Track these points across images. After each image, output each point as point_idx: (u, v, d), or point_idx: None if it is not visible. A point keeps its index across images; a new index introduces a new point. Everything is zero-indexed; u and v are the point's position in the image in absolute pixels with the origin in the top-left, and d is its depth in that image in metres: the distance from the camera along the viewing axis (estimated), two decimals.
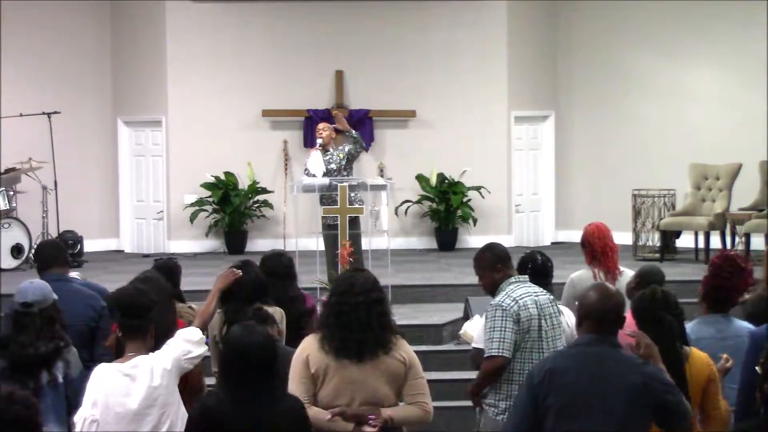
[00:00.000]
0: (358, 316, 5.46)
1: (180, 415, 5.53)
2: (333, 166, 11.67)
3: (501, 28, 16.26)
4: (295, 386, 5.46)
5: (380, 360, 5.47)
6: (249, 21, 16.15)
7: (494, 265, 6.56)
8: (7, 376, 5.79)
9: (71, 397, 5.97)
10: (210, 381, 7.39)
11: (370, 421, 5.42)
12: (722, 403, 5.51)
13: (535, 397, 4.93)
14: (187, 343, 5.65)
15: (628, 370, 4.90)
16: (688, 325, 6.24)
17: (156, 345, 5.63)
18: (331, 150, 11.82)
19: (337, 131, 12.42)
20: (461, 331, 10.27)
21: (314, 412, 5.35)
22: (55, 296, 6.19)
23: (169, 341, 5.64)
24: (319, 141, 11.79)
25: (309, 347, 5.54)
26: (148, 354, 5.53)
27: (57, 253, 7.45)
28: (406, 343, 5.65)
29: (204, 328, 5.93)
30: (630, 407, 4.83)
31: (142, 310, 5.60)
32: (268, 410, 4.90)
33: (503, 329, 6.30)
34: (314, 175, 11.57)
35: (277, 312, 6.86)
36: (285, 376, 5.53)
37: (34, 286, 6.11)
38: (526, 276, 6.61)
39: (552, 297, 6.59)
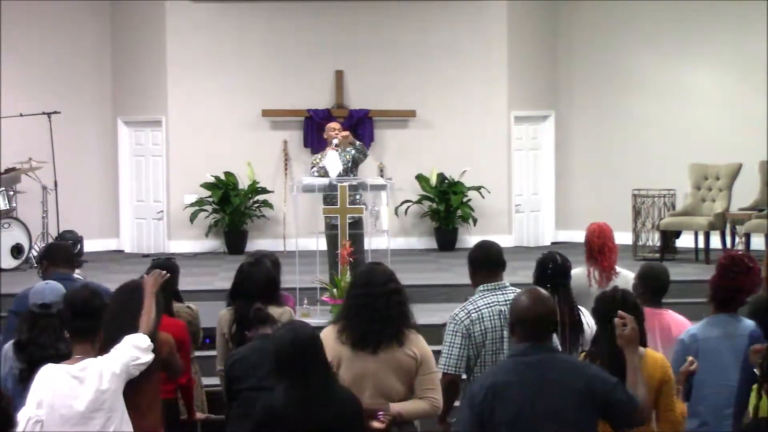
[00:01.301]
0: (378, 307, 5.60)
1: (124, 420, 5.48)
2: (343, 165, 11.66)
3: (501, 28, 16.25)
4: None
5: (394, 353, 5.58)
6: (249, 21, 16.15)
7: (471, 268, 6.42)
8: (26, 377, 5.78)
9: None
10: (213, 381, 7.40)
11: (379, 416, 5.47)
12: (678, 405, 5.50)
13: (480, 417, 4.76)
14: (135, 349, 5.56)
15: (571, 374, 4.81)
16: (696, 325, 6.24)
17: (105, 348, 5.56)
18: (339, 150, 11.81)
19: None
20: None
21: None
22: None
23: (117, 346, 5.54)
24: (335, 141, 11.75)
25: (326, 339, 5.60)
26: (96, 357, 5.49)
27: (65, 254, 7.49)
28: (421, 338, 5.75)
29: (150, 335, 5.71)
30: (578, 411, 4.74)
31: (92, 312, 5.56)
32: (330, 403, 4.97)
33: (451, 344, 6.15)
34: (327, 174, 11.52)
35: (286, 312, 6.87)
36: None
37: (50, 287, 6.12)
38: (503, 282, 6.31)
39: None
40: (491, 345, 6.07)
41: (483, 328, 6.08)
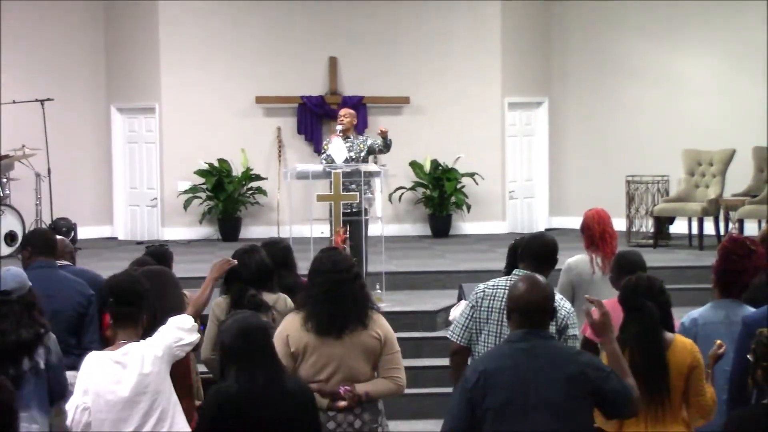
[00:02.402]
0: (343, 292, 5.66)
1: (172, 402, 5.54)
2: (352, 154, 11.63)
3: (495, 14, 16.25)
4: None
5: (359, 336, 5.65)
6: (242, 8, 16.11)
7: (522, 253, 6.37)
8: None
9: (53, 383, 5.97)
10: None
11: (343, 392, 5.58)
12: (708, 390, 5.49)
13: (471, 401, 4.76)
14: (179, 331, 5.65)
15: (564, 361, 4.79)
16: (698, 309, 6.24)
17: (149, 332, 5.64)
18: (351, 137, 11.78)
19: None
20: (450, 316, 10.30)
21: None
22: (29, 283, 6.18)
23: (161, 328, 5.64)
24: (339, 127, 11.75)
25: (290, 326, 5.72)
26: (139, 341, 5.53)
27: (47, 241, 7.44)
28: (382, 318, 5.83)
29: (197, 316, 5.91)
30: (570, 399, 4.71)
31: (135, 297, 5.60)
32: (279, 392, 4.96)
33: (462, 313, 6.21)
34: (334, 161, 11.51)
35: (280, 299, 6.87)
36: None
37: (11, 273, 6.09)
38: (542, 275, 6.16)
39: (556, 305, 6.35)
40: (495, 326, 6.03)
41: (490, 305, 6.06)
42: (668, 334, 5.43)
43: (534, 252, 6.29)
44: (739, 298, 6.18)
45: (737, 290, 6.19)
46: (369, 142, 11.79)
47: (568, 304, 6.18)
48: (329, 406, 5.59)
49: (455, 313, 7.36)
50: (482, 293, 6.13)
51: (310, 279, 5.86)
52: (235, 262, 6.60)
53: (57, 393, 6.03)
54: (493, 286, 6.15)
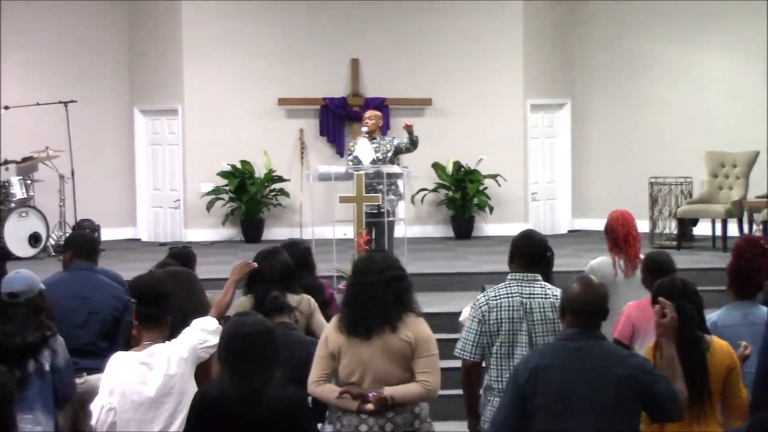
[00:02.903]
0: (373, 295, 5.61)
1: None
2: (378, 155, 11.65)
3: (517, 15, 16.22)
4: (315, 363, 5.67)
5: (387, 338, 5.59)
6: (264, 9, 16.14)
7: (510, 254, 6.33)
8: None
9: (58, 386, 6.00)
10: None
11: (371, 397, 5.53)
12: (743, 391, 5.49)
13: (522, 397, 4.84)
14: (203, 332, 5.68)
15: (615, 362, 4.85)
16: (716, 312, 6.21)
17: (174, 333, 5.66)
18: (377, 138, 11.81)
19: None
20: (460, 318, 10.28)
21: (326, 389, 5.61)
22: (42, 285, 6.21)
23: (186, 330, 5.67)
24: (364, 129, 11.78)
25: (330, 328, 5.75)
26: (164, 342, 5.55)
27: (89, 246, 7.51)
28: (421, 321, 5.71)
29: (220, 318, 5.94)
30: (618, 400, 4.77)
31: (159, 298, 5.62)
32: (266, 397, 4.94)
33: (468, 329, 6.09)
34: (360, 162, 11.54)
35: (304, 300, 6.88)
36: (297, 364, 5.65)
37: (20, 276, 6.13)
38: (535, 274, 6.15)
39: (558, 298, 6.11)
40: (507, 336, 5.97)
41: (499, 317, 5.99)
42: (706, 336, 5.43)
43: (521, 252, 6.24)
44: (753, 298, 6.17)
45: (752, 291, 6.18)
46: (395, 142, 11.81)
47: (557, 290, 6.12)
48: (359, 409, 5.55)
49: (465, 314, 7.36)
50: (486, 306, 6.04)
51: (348, 280, 5.90)
52: (256, 264, 6.62)
53: (63, 395, 6.07)
54: (495, 297, 6.07)
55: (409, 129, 11.78)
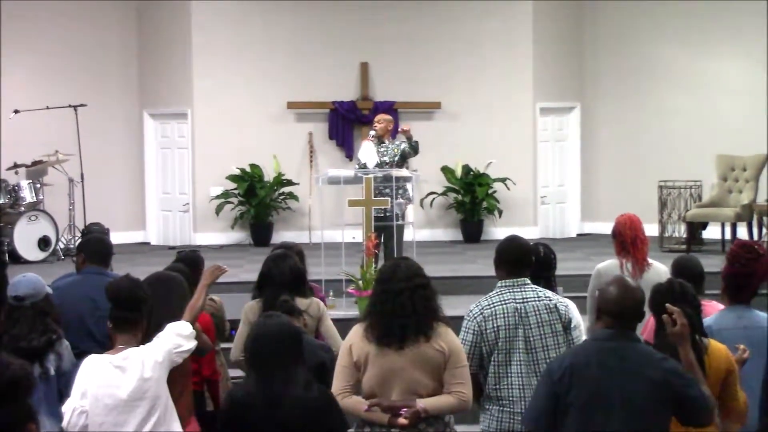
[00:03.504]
0: (401, 302, 5.49)
1: (168, 407, 5.56)
2: (386, 158, 11.66)
3: (527, 19, 16.22)
4: (337, 373, 5.54)
5: (420, 348, 5.47)
6: (274, 13, 16.16)
7: (495, 261, 6.29)
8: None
9: (63, 389, 6.00)
10: (239, 373, 7.42)
11: (403, 413, 5.40)
12: (741, 395, 5.49)
13: (556, 394, 4.87)
14: (178, 337, 5.65)
15: (648, 365, 4.86)
16: (711, 317, 6.23)
17: (147, 338, 5.64)
18: (386, 142, 11.82)
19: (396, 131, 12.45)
20: None
21: (353, 402, 5.46)
22: (49, 290, 6.22)
23: (160, 334, 5.63)
24: (372, 132, 11.81)
25: (354, 336, 5.59)
26: (138, 346, 5.55)
27: (102, 250, 7.53)
28: (450, 331, 5.62)
29: (193, 323, 5.86)
30: (650, 403, 4.80)
31: (135, 302, 5.61)
32: (293, 398, 4.93)
33: (463, 341, 5.97)
34: (365, 166, 11.56)
35: (313, 303, 6.88)
36: (314, 368, 5.59)
37: (26, 279, 6.14)
38: (524, 279, 6.13)
39: (554, 302, 6.06)
40: (504, 344, 5.95)
41: (495, 325, 5.97)
42: (703, 340, 5.43)
43: (506, 259, 6.22)
44: (748, 303, 6.17)
45: (747, 295, 6.18)
46: (402, 147, 11.82)
47: (567, 300, 6.16)
48: (390, 422, 5.42)
49: None
50: (481, 316, 6.01)
51: (373, 288, 5.76)
52: (227, 269, 6.51)
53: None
54: (489, 305, 6.03)
55: (407, 134, 11.78)
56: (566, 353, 5.28)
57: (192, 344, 5.72)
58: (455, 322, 11.23)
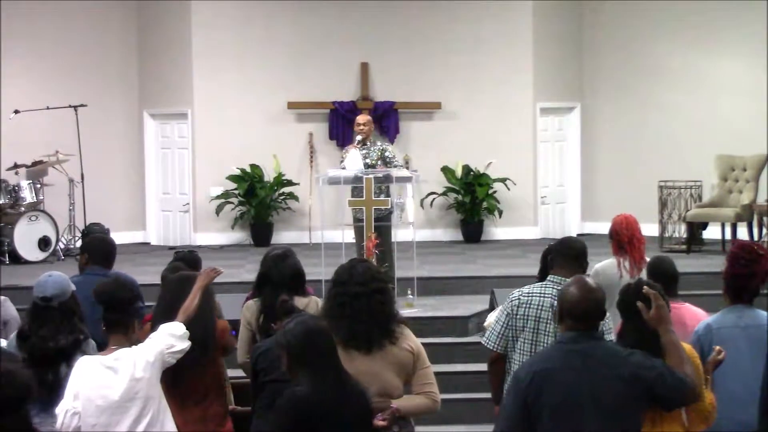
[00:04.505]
0: (359, 307, 5.47)
1: (162, 407, 5.58)
2: (368, 161, 11.65)
3: (527, 19, 16.22)
4: None
5: (388, 350, 5.48)
6: (274, 13, 16.16)
7: (551, 258, 6.39)
8: (27, 367, 5.84)
9: None
10: (239, 373, 7.43)
11: (379, 416, 5.38)
12: (707, 395, 5.47)
13: (526, 401, 4.83)
14: (170, 337, 5.68)
15: (616, 362, 4.86)
16: (712, 316, 6.25)
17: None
18: (368, 144, 11.80)
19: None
20: (485, 323, 10.29)
21: None
22: (74, 287, 6.23)
23: (152, 335, 5.68)
24: (358, 138, 11.77)
25: None
26: (130, 347, 5.56)
27: (101, 251, 7.53)
28: (410, 332, 5.67)
29: (187, 324, 5.91)
30: (622, 400, 4.80)
31: (121, 304, 5.64)
32: (349, 392, 4.93)
33: (497, 321, 6.19)
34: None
35: (312, 302, 6.89)
36: None
37: (53, 279, 6.14)
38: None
39: None
40: (531, 334, 6.06)
41: (526, 313, 6.09)
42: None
43: (565, 255, 6.30)
44: (750, 303, 6.19)
45: (748, 295, 6.20)
46: (386, 155, 11.77)
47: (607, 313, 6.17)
48: None
49: (491, 320, 7.37)
50: (517, 300, 6.14)
51: (328, 290, 5.73)
52: (223, 270, 6.59)
53: None
54: (528, 293, 6.16)
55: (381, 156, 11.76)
56: (533, 359, 5.26)
57: (186, 344, 5.75)
58: (455, 322, 11.26)
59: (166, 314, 6.13)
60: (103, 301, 5.68)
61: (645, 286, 5.21)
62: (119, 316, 5.62)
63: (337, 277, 5.68)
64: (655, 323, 5.12)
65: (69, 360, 5.92)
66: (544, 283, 6.23)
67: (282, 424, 4.95)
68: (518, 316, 6.10)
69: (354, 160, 11.42)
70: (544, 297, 6.11)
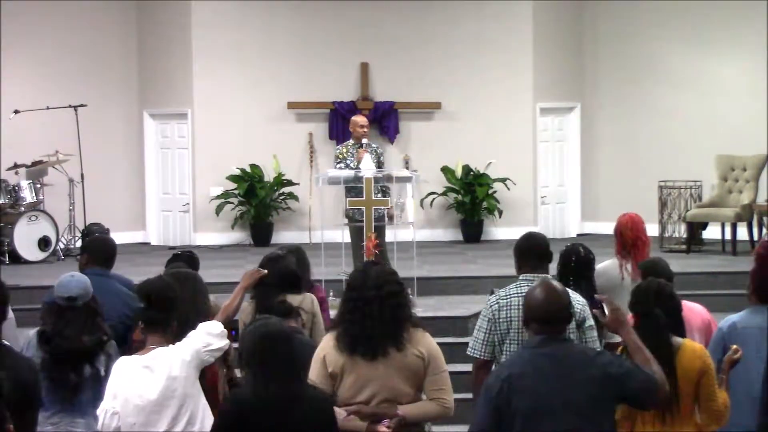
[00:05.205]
0: (371, 311, 5.39)
1: (201, 406, 5.57)
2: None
3: (527, 19, 16.22)
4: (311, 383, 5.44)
5: (393, 356, 5.39)
6: (274, 13, 16.16)
7: (516, 258, 6.35)
8: (47, 368, 5.84)
9: None
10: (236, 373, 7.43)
11: (384, 422, 5.35)
12: (720, 395, 5.46)
13: (497, 408, 4.79)
14: (208, 336, 5.68)
15: (585, 364, 4.83)
16: (737, 315, 6.18)
17: (178, 337, 5.67)
18: (368, 145, 11.83)
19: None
20: None
21: None
22: (92, 289, 6.23)
23: (191, 333, 5.67)
24: (365, 141, 11.81)
25: (326, 346, 5.52)
26: (167, 346, 5.56)
27: (102, 251, 7.52)
28: (427, 336, 5.56)
29: (226, 323, 5.95)
30: (594, 401, 4.77)
31: (167, 303, 5.63)
32: (296, 399, 4.88)
33: (479, 328, 6.11)
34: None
35: (306, 298, 6.90)
36: (306, 367, 5.50)
37: (76, 279, 6.14)
38: (545, 274, 6.18)
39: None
40: (515, 334, 6.00)
41: (508, 316, 6.02)
42: (677, 340, 5.42)
43: (528, 254, 6.29)
44: None
45: None
46: (381, 157, 11.84)
47: (581, 297, 6.15)
48: (369, 430, 5.33)
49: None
50: (497, 305, 6.08)
51: (342, 294, 5.67)
52: (266, 272, 6.64)
53: None
54: (506, 296, 6.10)
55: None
56: (501, 366, 5.20)
57: (223, 343, 5.73)
58: (455, 322, 11.26)
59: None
60: (147, 298, 5.65)
61: (597, 295, 5.22)
62: (161, 315, 5.60)
63: (350, 282, 5.61)
64: (614, 329, 5.13)
65: (93, 360, 5.93)
66: (518, 283, 6.17)
67: (222, 424, 4.97)
68: (501, 320, 6.03)
69: (369, 163, 11.43)
70: (521, 297, 5.95)
